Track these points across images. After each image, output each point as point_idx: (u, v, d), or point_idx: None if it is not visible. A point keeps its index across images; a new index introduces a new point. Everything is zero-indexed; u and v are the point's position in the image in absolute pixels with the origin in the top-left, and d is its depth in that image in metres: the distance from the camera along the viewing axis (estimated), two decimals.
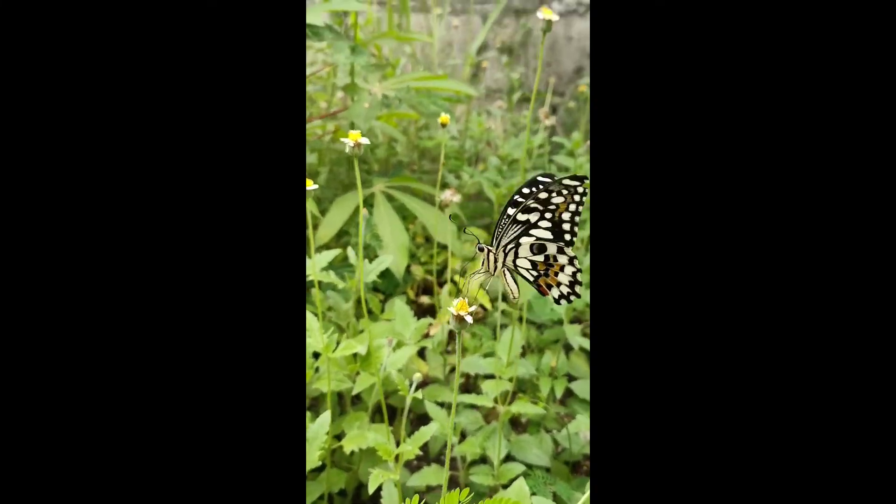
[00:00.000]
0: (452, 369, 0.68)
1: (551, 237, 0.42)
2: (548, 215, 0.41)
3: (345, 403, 0.65)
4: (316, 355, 0.59)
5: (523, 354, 0.69)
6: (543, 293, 0.44)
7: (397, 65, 0.99)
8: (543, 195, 0.40)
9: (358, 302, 0.65)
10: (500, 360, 0.59)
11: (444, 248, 1.01)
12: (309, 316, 0.54)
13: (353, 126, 0.72)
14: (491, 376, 0.62)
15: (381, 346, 0.57)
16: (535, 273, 0.43)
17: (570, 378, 0.70)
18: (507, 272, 0.43)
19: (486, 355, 0.63)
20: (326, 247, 0.78)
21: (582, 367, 0.72)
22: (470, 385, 0.72)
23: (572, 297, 0.43)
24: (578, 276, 0.43)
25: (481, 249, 0.43)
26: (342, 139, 0.44)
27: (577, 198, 0.40)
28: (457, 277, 0.76)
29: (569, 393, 0.71)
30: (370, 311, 0.69)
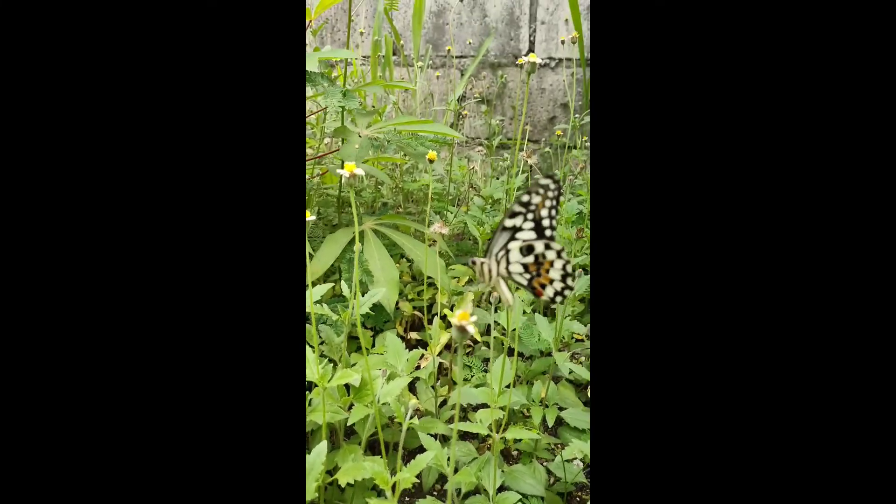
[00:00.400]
0: (444, 402, 0.69)
1: (535, 237, 0.44)
2: (530, 216, 0.43)
3: (337, 438, 0.64)
4: (309, 387, 0.60)
5: (513, 385, 0.70)
6: (539, 295, 0.45)
7: (384, 112, 1.04)
8: (525, 198, 0.43)
9: (350, 335, 0.65)
10: (492, 389, 0.60)
11: (431, 284, 1.03)
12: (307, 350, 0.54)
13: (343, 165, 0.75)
14: (484, 406, 0.63)
15: (376, 377, 0.58)
16: (528, 275, 0.44)
17: (560, 408, 0.71)
18: (501, 281, 0.44)
19: (477, 386, 0.64)
20: (316, 283, 0.79)
21: (570, 396, 0.73)
22: (461, 417, 0.73)
23: (566, 292, 0.44)
24: (568, 267, 0.44)
25: (474, 263, 0.45)
26: (338, 171, 0.46)
27: (550, 194, 0.43)
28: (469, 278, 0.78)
29: (559, 422, 0.72)
30: (361, 344, 0.70)
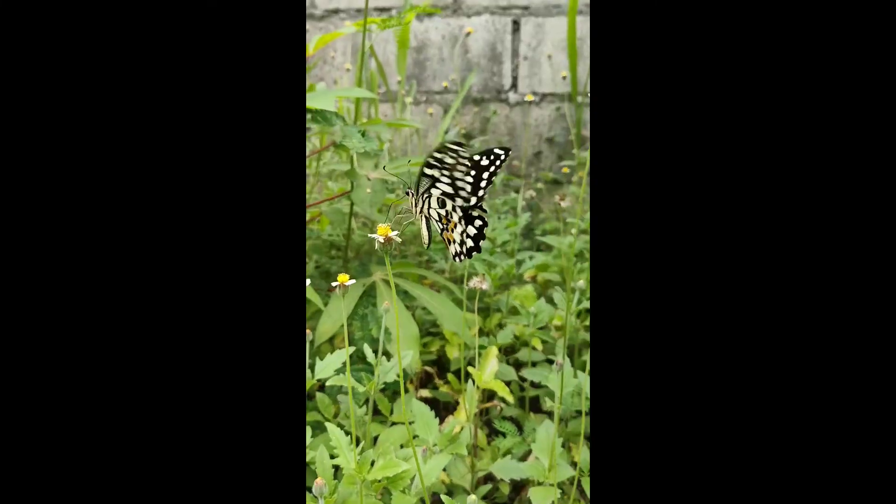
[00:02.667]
0: (482, 478, 0.61)
1: (451, 193, 0.46)
2: (445, 173, 0.46)
3: None
4: (334, 472, 0.51)
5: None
6: (447, 245, 0.49)
7: (381, 150, 0.98)
8: (438, 154, 0.45)
9: (372, 405, 0.58)
10: (541, 461, 0.53)
11: (437, 334, 0.95)
12: (332, 428, 0.47)
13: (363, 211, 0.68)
14: (530, 482, 0.56)
15: (410, 457, 0.50)
16: (440, 225, 0.48)
17: None
18: (423, 218, 0.48)
19: (521, 458, 0.57)
20: (323, 345, 0.71)
21: None
22: (493, 491, 0.65)
23: (463, 258, 0.48)
24: (469, 240, 0.47)
25: (408, 193, 0.48)
26: (370, 235, 0.44)
27: (461, 160, 0.44)
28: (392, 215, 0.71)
29: None
30: (379, 411, 0.62)
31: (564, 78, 1.63)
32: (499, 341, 0.74)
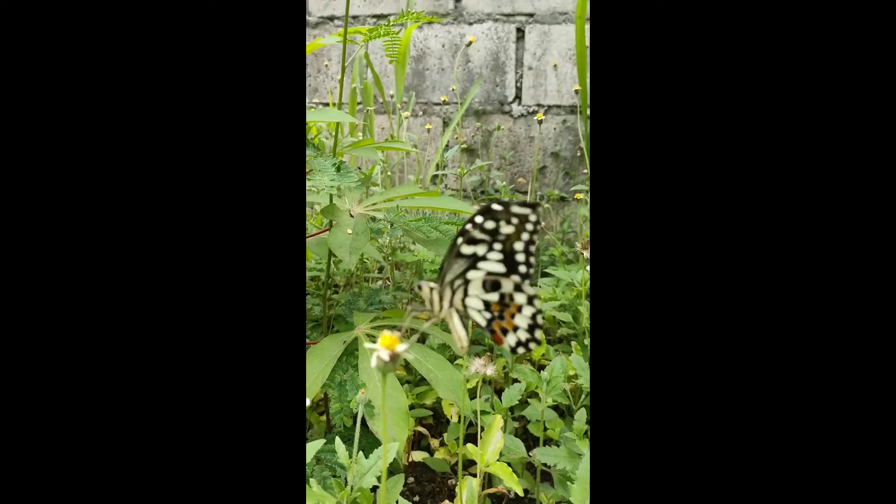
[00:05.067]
0: None
1: (504, 271, 0.37)
2: (497, 247, 0.36)
3: None
4: None
5: None
6: (498, 341, 0.38)
7: (371, 174, 0.88)
8: (490, 224, 0.35)
9: None
10: None
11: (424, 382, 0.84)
12: None
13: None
14: None
15: None
16: (488, 315, 0.38)
17: None
18: (454, 314, 0.37)
19: None
20: None
21: None
22: None
23: (531, 345, 0.38)
24: (539, 318, 0.37)
25: (420, 288, 0.37)
26: (369, 345, 0.32)
27: (528, 227, 0.36)
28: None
29: None
30: None
31: (577, 92, 1.53)
32: (504, 405, 0.63)
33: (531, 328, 0.37)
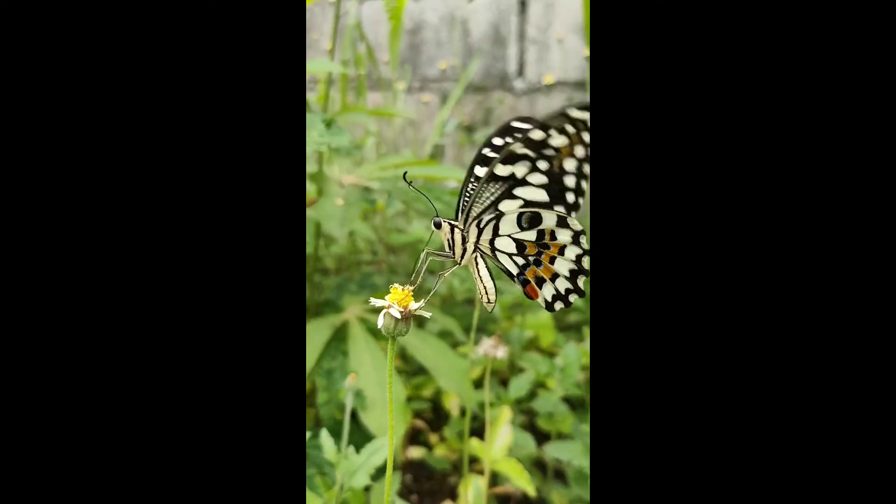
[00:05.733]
0: None
1: (548, 200, 0.28)
2: (542, 166, 0.28)
3: None
4: None
5: None
6: (532, 294, 0.29)
7: (363, 145, 0.81)
8: (537, 134, 0.27)
9: None
10: None
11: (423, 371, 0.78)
12: None
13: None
14: None
15: None
16: (521, 260, 0.29)
17: None
18: (479, 260, 0.29)
19: None
20: None
21: None
22: None
23: (572, 297, 0.29)
24: (584, 261, 0.29)
25: (438, 225, 0.29)
26: (376, 302, 0.26)
27: (586, 137, 0.27)
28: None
29: None
30: None
31: (586, 59, 1.45)
32: (511, 395, 0.57)
33: (574, 275, 0.29)
